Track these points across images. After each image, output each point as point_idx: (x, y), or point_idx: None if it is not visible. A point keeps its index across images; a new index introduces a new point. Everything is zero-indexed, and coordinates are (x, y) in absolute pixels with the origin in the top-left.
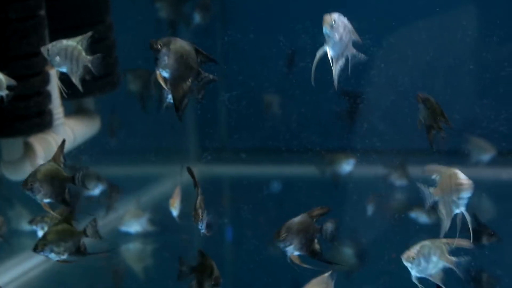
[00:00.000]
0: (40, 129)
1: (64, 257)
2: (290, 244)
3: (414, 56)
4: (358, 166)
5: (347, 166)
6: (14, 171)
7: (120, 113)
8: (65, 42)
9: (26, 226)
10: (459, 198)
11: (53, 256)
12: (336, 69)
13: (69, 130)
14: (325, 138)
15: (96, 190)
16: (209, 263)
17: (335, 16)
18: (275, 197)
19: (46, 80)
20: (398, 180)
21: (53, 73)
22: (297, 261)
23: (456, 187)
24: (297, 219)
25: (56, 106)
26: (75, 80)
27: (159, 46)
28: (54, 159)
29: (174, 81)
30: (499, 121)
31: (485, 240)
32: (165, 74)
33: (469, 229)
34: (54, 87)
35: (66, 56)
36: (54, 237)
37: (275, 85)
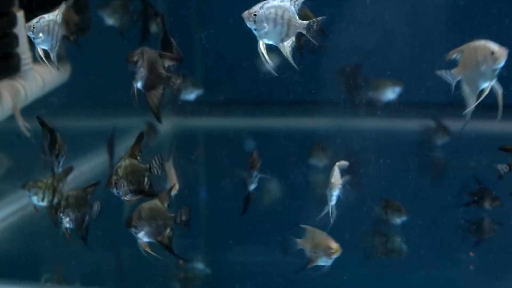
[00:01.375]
0: (8, 72)
1: None
2: (141, 231)
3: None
4: (340, 119)
5: (391, 94)
6: None
7: (92, 63)
8: (46, 17)
9: None
10: (492, 69)
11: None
12: (286, 53)
13: (37, 76)
14: (307, 90)
15: None
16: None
17: (255, 9)
18: (252, 151)
19: (12, 22)
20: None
21: (20, 15)
22: (147, 248)
23: (486, 57)
24: (147, 205)
25: (24, 50)
26: (54, 56)
27: (135, 59)
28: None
29: (149, 91)
30: None
31: (487, 205)
32: (139, 86)
33: (498, 104)
34: (21, 29)
35: (48, 32)
36: None
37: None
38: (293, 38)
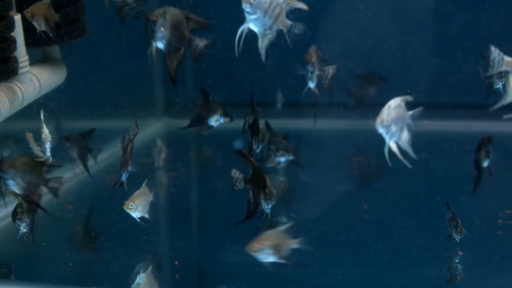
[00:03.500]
0: (5, 76)
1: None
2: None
3: None
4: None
5: None
6: None
7: (87, 63)
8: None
9: None
10: None
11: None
12: (262, 43)
13: (34, 79)
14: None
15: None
16: (262, 176)
17: None
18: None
19: (11, 25)
20: None
21: (18, 19)
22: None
23: None
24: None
25: (22, 54)
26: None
27: (155, 18)
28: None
29: (169, 52)
30: None
31: None
32: (160, 46)
33: None
34: (19, 33)
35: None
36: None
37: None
38: (274, 33)
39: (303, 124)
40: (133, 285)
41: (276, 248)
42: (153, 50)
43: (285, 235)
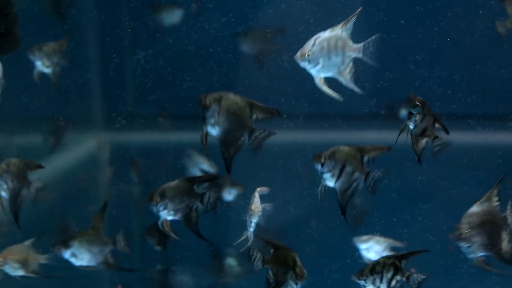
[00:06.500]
0: None
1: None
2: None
3: None
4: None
5: None
6: None
7: (21, 76)
8: None
9: None
10: None
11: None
12: (347, 79)
13: None
14: None
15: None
16: (291, 255)
17: (308, 47)
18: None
19: None
20: None
21: None
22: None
23: None
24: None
25: None
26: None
27: (207, 103)
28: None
29: (225, 141)
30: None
31: None
32: (213, 133)
33: None
34: None
35: None
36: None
37: (190, 43)
38: (351, 65)
39: None
40: None
41: (23, 263)
42: (204, 135)
43: (32, 250)
